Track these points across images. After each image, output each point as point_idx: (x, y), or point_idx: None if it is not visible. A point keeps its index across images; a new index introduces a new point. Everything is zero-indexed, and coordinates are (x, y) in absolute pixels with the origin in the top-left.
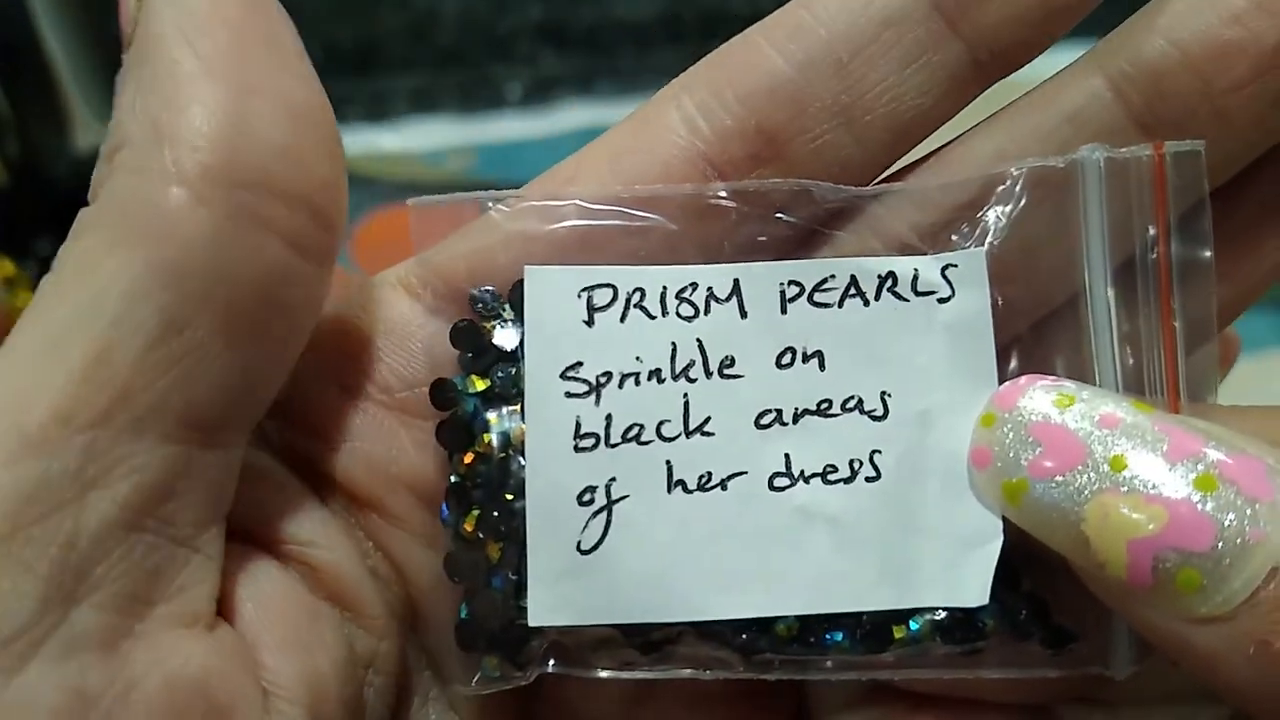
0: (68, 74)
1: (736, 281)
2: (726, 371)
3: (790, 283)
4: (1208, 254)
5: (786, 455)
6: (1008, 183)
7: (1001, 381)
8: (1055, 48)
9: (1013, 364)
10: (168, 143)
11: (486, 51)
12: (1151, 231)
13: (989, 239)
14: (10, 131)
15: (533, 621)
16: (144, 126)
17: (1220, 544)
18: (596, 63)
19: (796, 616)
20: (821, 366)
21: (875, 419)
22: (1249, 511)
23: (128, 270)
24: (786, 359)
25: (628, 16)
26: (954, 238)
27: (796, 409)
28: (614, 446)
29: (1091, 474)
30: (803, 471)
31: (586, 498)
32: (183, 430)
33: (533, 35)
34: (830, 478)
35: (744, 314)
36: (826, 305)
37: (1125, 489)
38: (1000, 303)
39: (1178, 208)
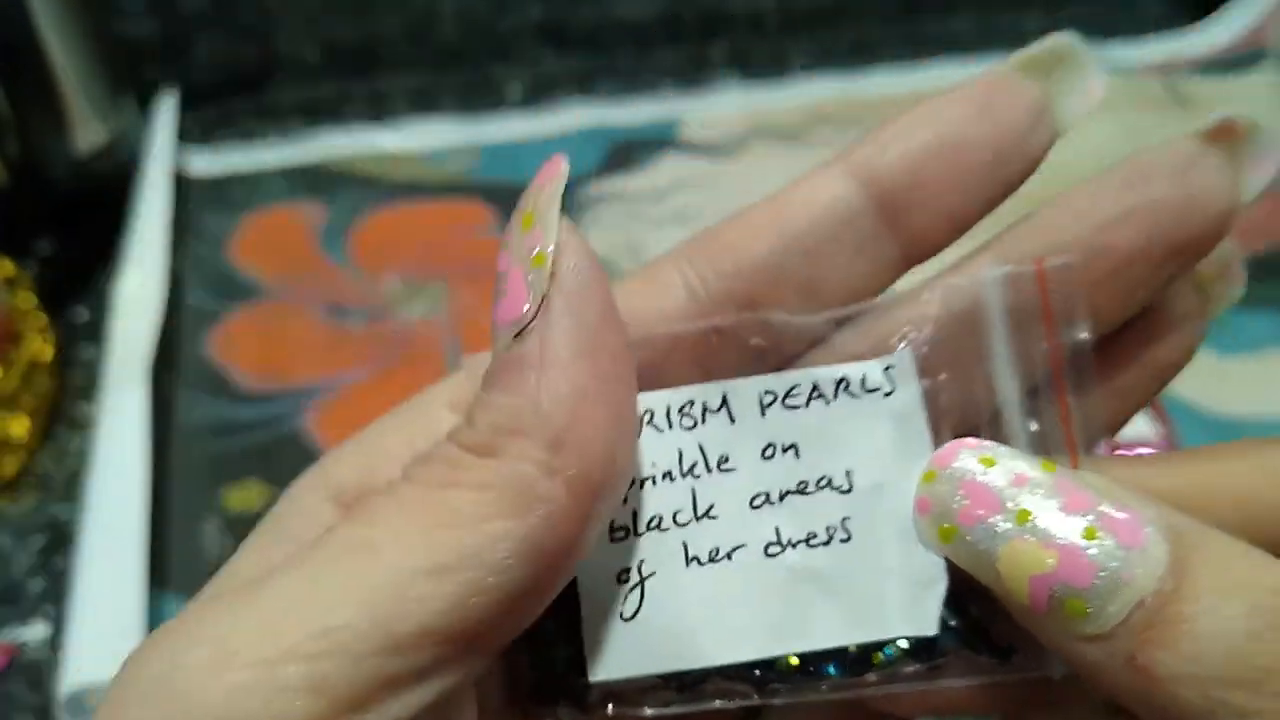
0: (68, 75)
1: (725, 395)
2: (723, 467)
3: (766, 392)
4: (1087, 347)
5: (776, 528)
6: (934, 297)
7: None
8: None
9: (947, 435)
10: (568, 449)
11: (487, 51)
12: (1043, 331)
13: (921, 343)
14: (10, 132)
15: (593, 678)
16: (544, 427)
17: (1098, 581)
18: (597, 63)
19: (799, 653)
20: (797, 455)
21: (843, 493)
22: (1123, 556)
23: (513, 535)
24: (769, 452)
25: (628, 17)
26: (893, 341)
27: (781, 490)
28: (640, 535)
29: (1004, 523)
30: (790, 539)
31: (624, 577)
32: (477, 656)
33: (533, 35)
34: (812, 542)
35: (732, 420)
36: (796, 407)
37: (1029, 536)
38: (935, 390)
39: (1064, 314)
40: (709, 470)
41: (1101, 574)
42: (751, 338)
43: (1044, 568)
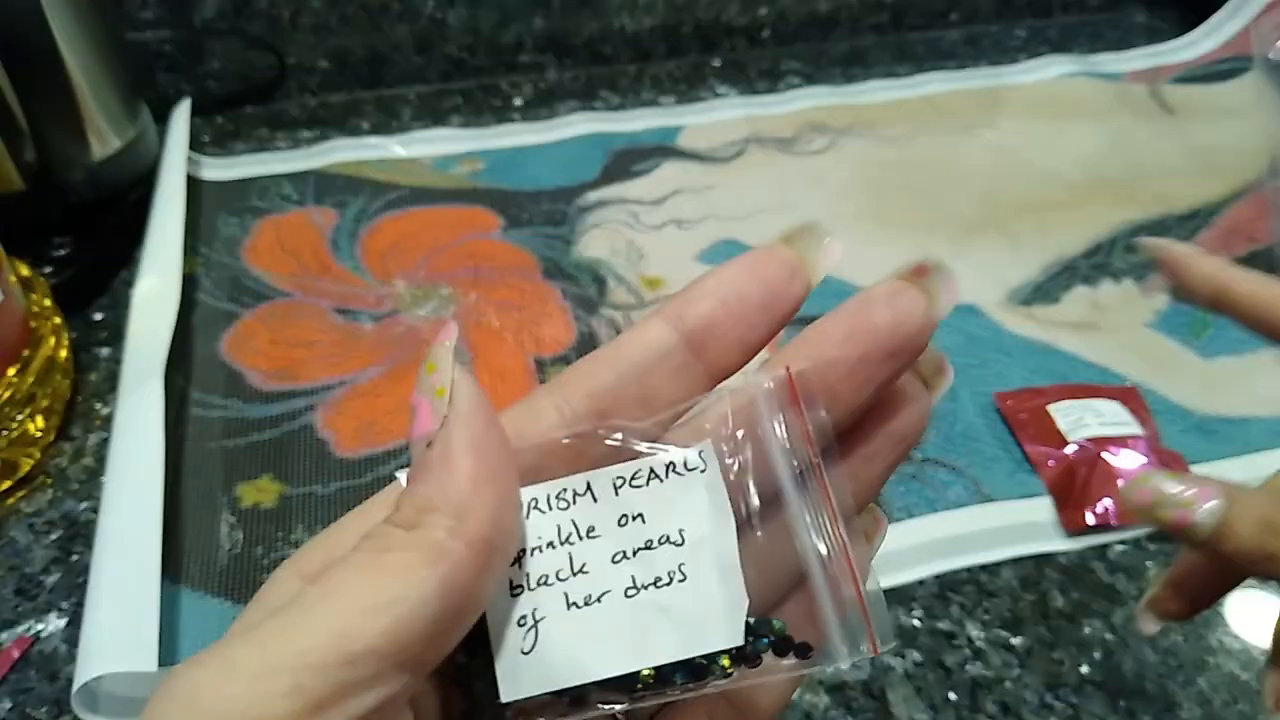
0: (84, 84)
1: (588, 482)
2: (590, 534)
3: (618, 477)
4: (827, 422)
5: (632, 575)
6: (725, 400)
7: (736, 517)
8: (1048, 58)
9: (755, 502)
10: (467, 519)
11: (492, 62)
12: (795, 415)
13: (721, 433)
14: (27, 139)
15: (504, 699)
16: (450, 504)
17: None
18: (598, 73)
19: (654, 666)
20: (644, 521)
21: (677, 545)
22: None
23: (429, 580)
24: (623, 520)
25: (628, 29)
26: (705, 430)
27: (634, 548)
28: (533, 590)
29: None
30: (643, 583)
31: (522, 621)
32: (409, 672)
33: (537, 46)
34: (658, 584)
35: (595, 500)
36: (640, 486)
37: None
38: (732, 465)
39: (808, 402)
40: (580, 538)
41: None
42: (605, 440)
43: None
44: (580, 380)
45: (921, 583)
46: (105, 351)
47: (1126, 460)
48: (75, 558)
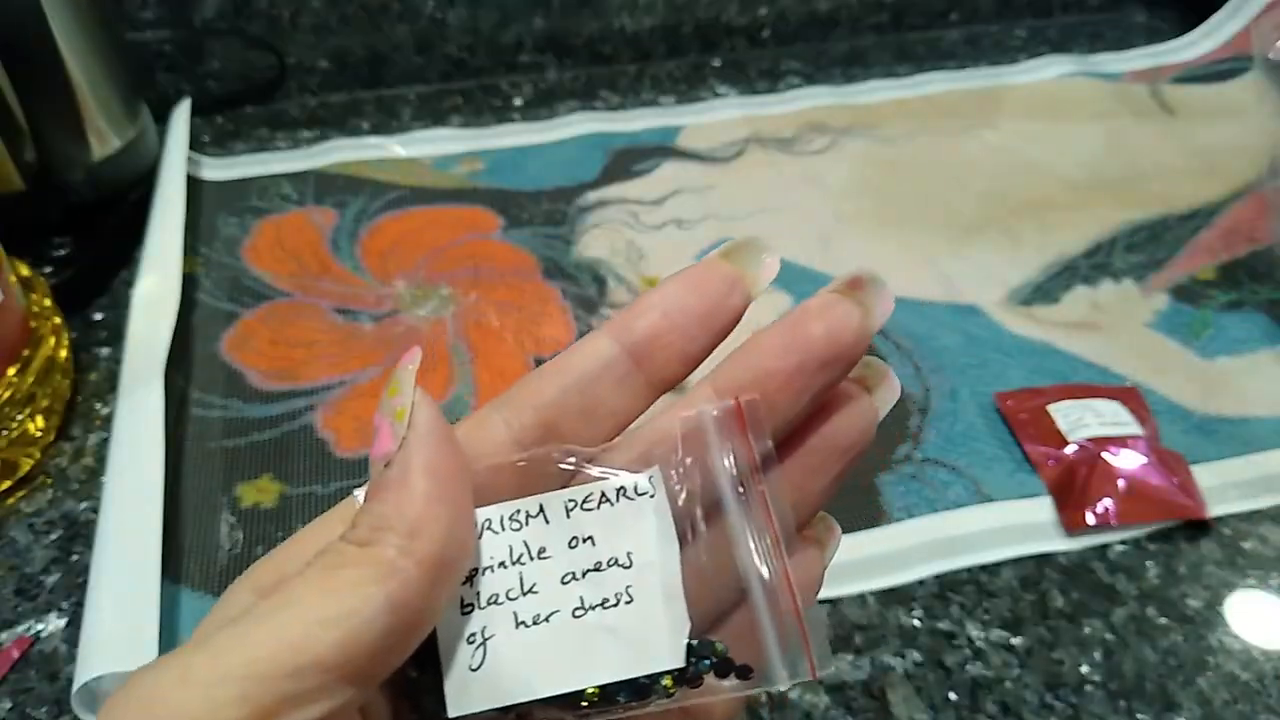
0: (84, 84)
1: (541, 505)
2: (542, 555)
3: (570, 500)
4: (773, 452)
5: (581, 596)
6: (675, 426)
7: (681, 541)
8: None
9: (701, 526)
10: (420, 538)
11: (492, 62)
12: (743, 443)
13: (669, 459)
14: (27, 139)
15: (451, 714)
16: (404, 523)
17: None
18: (598, 73)
19: (599, 685)
20: (594, 544)
21: (625, 568)
22: None
23: (377, 597)
24: (574, 542)
25: (628, 29)
26: (654, 455)
27: (583, 569)
28: (483, 609)
29: None
30: (591, 604)
31: (471, 639)
32: (356, 685)
33: (537, 46)
34: (606, 605)
35: (547, 522)
36: (591, 509)
37: None
38: (680, 492)
39: (756, 431)
40: (532, 559)
41: None
42: (558, 463)
43: None
44: (526, 394)
45: (921, 583)
46: (105, 351)
47: (1127, 460)
48: (75, 558)
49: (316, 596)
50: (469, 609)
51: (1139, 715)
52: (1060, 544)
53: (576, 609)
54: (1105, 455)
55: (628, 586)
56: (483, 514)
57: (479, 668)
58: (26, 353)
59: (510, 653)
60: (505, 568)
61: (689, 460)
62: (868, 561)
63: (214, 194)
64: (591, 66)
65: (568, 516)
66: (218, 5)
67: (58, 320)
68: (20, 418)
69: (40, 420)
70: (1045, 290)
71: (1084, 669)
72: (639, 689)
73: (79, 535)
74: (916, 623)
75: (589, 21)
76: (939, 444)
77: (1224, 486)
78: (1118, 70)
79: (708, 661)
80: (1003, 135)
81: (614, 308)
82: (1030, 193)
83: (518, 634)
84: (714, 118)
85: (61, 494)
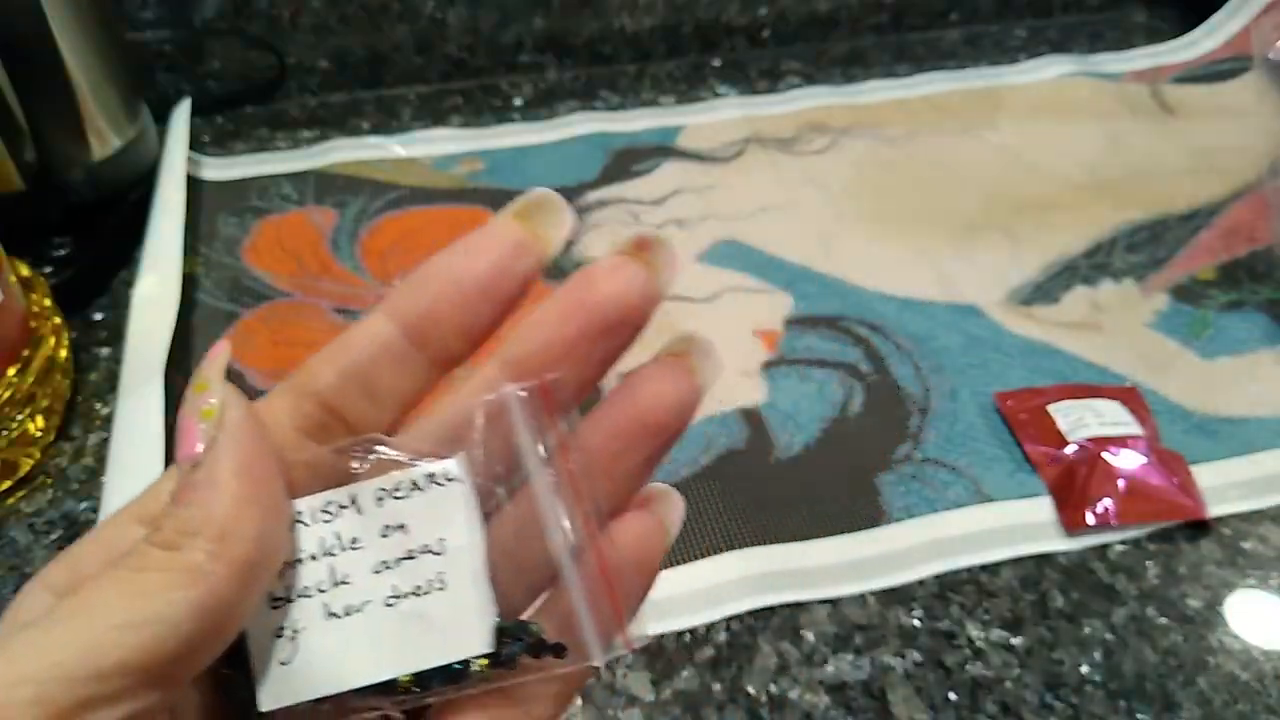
0: (84, 86)
1: (353, 495)
2: (354, 546)
3: (381, 489)
4: (575, 427)
5: (394, 585)
6: (480, 409)
7: (490, 523)
8: (1048, 58)
9: (510, 507)
10: (229, 541)
11: (492, 62)
12: (548, 430)
13: (475, 443)
14: (27, 139)
15: (261, 709)
16: (213, 527)
17: None
18: (598, 73)
19: (413, 671)
20: (406, 532)
21: (437, 554)
22: None
23: (183, 602)
24: (386, 532)
25: (628, 29)
26: (463, 436)
27: (396, 557)
28: (293, 602)
29: None
30: (404, 592)
31: (281, 633)
32: (160, 688)
33: (537, 46)
34: (419, 592)
35: (359, 512)
36: (403, 497)
37: None
38: (492, 475)
39: (560, 409)
40: (344, 550)
41: None
42: (367, 453)
43: None
44: (305, 379)
45: (921, 583)
46: (105, 351)
47: (1127, 460)
48: None
49: (120, 600)
50: (279, 603)
51: (1139, 715)
52: (1060, 544)
53: (390, 598)
54: (1105, 455)
55: (440, 573)
56: (295, 505)
57: (290, 662)
58: (26, 353)
59: (322, 645)
60: (316, 560)
61: (495, 442)
62: (868, 561)
63: (214, 194)
64: (591, 66)
65: (379, 505)
66: (218, 5)
67: (58, 320)
68: (20, 418)
69: (40, 420)
70: (1045, 290)
71: (1084, 669)
72: (453, 674)
73: (79, 535)
74: (916, 623)
75: (589, 21)
76: (939, 444)
77: (1224, 486)
78: (1118, 70)
79: (521, 642)
80: (1003, 135)
81: None
82: (1030, 193)
83: (329, 626)
84: (714, 118)
85: (61, 494)
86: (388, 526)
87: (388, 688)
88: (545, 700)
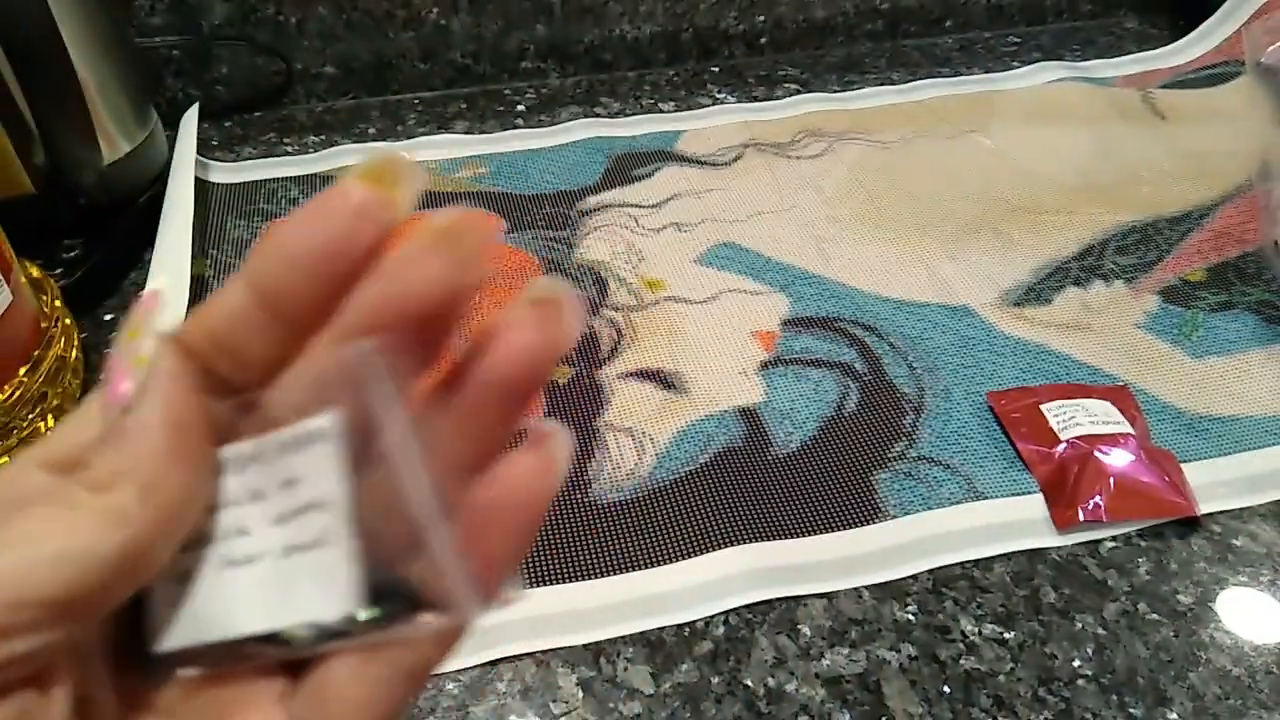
0: (94, 91)
1: (259, 448)
2: (256, 498)
3: (280, 444)
4: (417, 382)
5: (288, 538)
6: (337, 368)
7: (362, 480)
8: (1040, 64)
9: (374, 465)
10: (157, 491)
11: (496, 69)
12: (399, 387)
13: (343, 401)
14: (37, 143)
15: (155, 649)
16: (141, 474)
17: None
18: (599, 79)
19: (297, 624)
20: (297, 486)
21: (322, 510)
22: None
23: (108, 542)
24: (284, 486)
25: (629, 36)
26: (328, 394)
27: (292, 510)
28: (196, 550)
29: None
30: (296, 545)
31: (182, 579)
32: (74, 621)
33: (539, 53)
34: (306, 548)
35: (263, 465)
36: (296, 453)
37: None
38: (359, 432)
39: (410, 372)
40: (247, 501)
41: None
42: (263, 411)
43: None
44: (183, 339)
45: (915, 578)
46: None
47: (1118, 458)
48: None
49: (46, 534)
50: (185, 548)
51: (1131, 709)
52: (1052, 540)
53: (286, 549)
54: (1096, 453)
55: (322, 529)
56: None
57: (187, 605)
58: (37, 353)
59: (218, 592)
60: (223, 509)
61: (357, 400)
62: (863, 557)
63: (223, 197)
64: (593, 73)
65: (280, 459)
66: (226, 12)
67: (68, 321)
68: (31, 417)
69: (51, 420)
70: (1037, 292)
71: (1076, 663)
72: (335, 631)
73: None
74: (911, 617)
75: (590, 29)
76: (933, 442)
77: (1214, 484)
78: (1109, 76)
79: (396, 599)
80: (996, 140)
81: (615, 309)
82: (1023, 196)
83: (225, 575)
84: (712, 123)
85: None
86: (287, 481)
87: (275, 639)
88: (423, 648)
